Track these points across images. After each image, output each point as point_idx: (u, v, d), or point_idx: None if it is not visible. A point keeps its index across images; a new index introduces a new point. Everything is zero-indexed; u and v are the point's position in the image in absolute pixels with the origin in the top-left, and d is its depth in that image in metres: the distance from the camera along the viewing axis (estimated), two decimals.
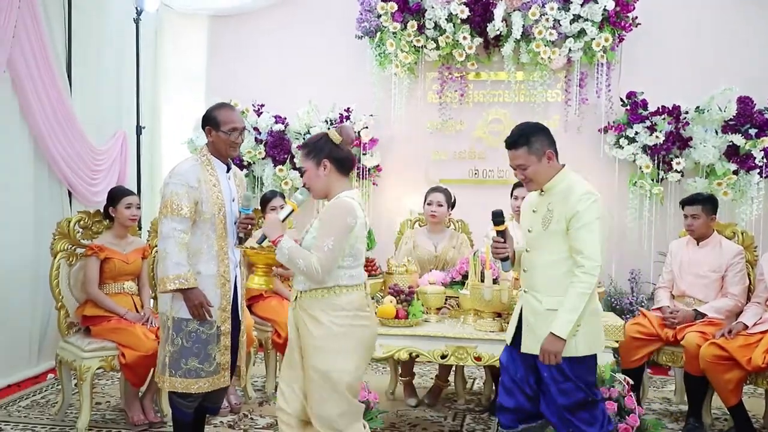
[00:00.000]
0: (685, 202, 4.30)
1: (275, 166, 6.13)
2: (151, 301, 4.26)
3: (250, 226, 3.26)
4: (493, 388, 4.39)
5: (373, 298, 3.87)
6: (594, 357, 2.90)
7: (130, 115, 5.81)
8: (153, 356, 3.70)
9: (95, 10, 5.43)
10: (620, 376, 3.27)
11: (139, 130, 5.79)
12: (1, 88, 4.48)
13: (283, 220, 2.84)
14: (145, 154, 6.05)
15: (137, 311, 4.04)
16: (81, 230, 4.09)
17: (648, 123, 5.64)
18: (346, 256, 2.72)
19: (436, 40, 5.86)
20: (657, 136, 5.57)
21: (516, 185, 4.57)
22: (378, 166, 6.18)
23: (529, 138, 2.88)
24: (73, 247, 4.05)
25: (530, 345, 2.86)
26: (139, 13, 5.66)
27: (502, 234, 2.97)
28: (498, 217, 2.94)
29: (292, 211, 2.89)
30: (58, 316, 3.98)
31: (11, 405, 4.31)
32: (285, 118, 6.19)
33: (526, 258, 2.96)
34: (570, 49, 5.70)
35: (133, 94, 5.80)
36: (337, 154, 2.77)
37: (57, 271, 3.95)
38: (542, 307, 2.84)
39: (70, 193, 5.19)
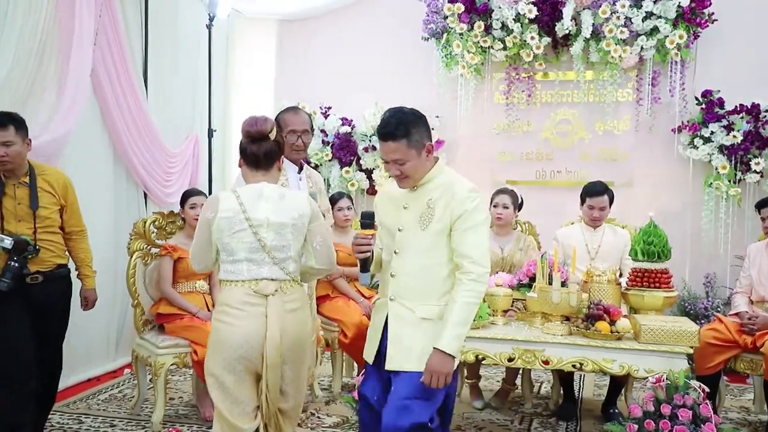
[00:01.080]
0: (761, 205, 4.14)
1: (342, 167, 6.20)
2: None
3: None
4: (561, 392, 4.33)
5: None
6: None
7: (202, 118, 5.97)
8: None
9: (170, 17, 5.62)
10: (695, 383, 3.16)
11: (210, 133, 5.94)
12: (84, 94, 4.65)
13: None
14: (216, 156, 6.21)
15: (208, 310, 4.15)
16: (156, 230, 4.23)
17: (725, 122, 5.46)
18: (221, 251, 2.64)
19: (503, 41, 5.81)
20: (734, 136, 5.38)
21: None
22: None
23: (409, 129, 2.46)
24: (148, 247, 4.20)
25: (398, 360, 2.48)
26: (211, 19, 5.80)
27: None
28: (367, 219, 2.57)
29: None
30: (134, 314, 4.13)
31: (91, 398, 4.49)
32: (351, 120, 6.25)
33: (394, 261, 2.55)
34: (642, 48, 5.57)
35: (205, 98, 5.96)
36: (242, 147, 2.69)
37: (133, 270, 4.09)
38: (415, 316, 2.48)
39: (145, 195, 5.38)
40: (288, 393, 2.67)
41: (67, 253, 3.57)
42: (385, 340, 2.54)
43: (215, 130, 6.02)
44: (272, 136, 2.67)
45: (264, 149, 2.66)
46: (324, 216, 3.35)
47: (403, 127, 2.45)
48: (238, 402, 2.57)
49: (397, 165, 2.49)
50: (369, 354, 2.63)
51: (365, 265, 2.55)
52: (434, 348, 2.40)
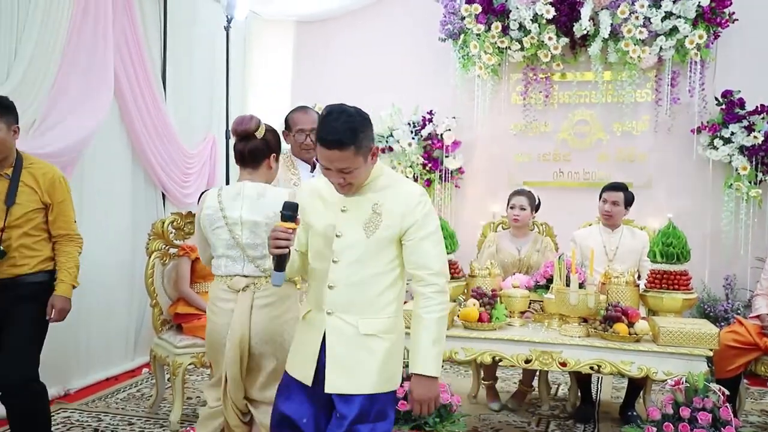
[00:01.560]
0: None
1: None
2: None
3: None
4: (578, 394, 4.30)
5: (454, 301, 3.87)
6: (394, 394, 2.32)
7: (220, 119, 6.00)
8: None
9: (188, 19, 5.66)
10: (715, 386, 3.13)
11: (228, 134, 5.96)
12: (104, 95, 4.70)
13: None
14: (234, 156, 6.24)
15: None
16: (174, 231, 4.25)
17: (745, 123, 5.40)
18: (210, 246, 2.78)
19: (520, 41, 5.79)
20: (755, 137, 5.33)
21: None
22: (460, 168, 6.16)
23: (357, 134, 2.13)
24: (166, 247, 4.22)
25: (341, 383, 2.20)
26: (229, 21, 5.83)
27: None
28: (289, 211, 2.21)
29: None
30: (152, 314, 4.16)
31: (109, 397, 4.53)
32: None
33: (333, 271, 2.24)
34: (661, 48, 5.52)
35: (223, 99, 5.99)
36: (234, 146, 2.82)
37: (152, 270, 4.11)
38: (357, 332, 2.21)
39: (163, 195, 5.42)
40: (268, 384, 2.74)
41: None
42: (323, 358, 2.23)
43: None
44: (259, 134, 2.74)
45: (249, 147, 2.74)
46: None
47: (351, 132, 2.12)
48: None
49: (343, 174, 2.17)
50: (303, 374, 2.27)
51: (281, 263, 2.21)
52: (415, 374, 2.22)
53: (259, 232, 2.69)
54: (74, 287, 3.19)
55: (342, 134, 2.11)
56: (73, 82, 4.32)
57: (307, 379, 2.25)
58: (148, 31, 5.15)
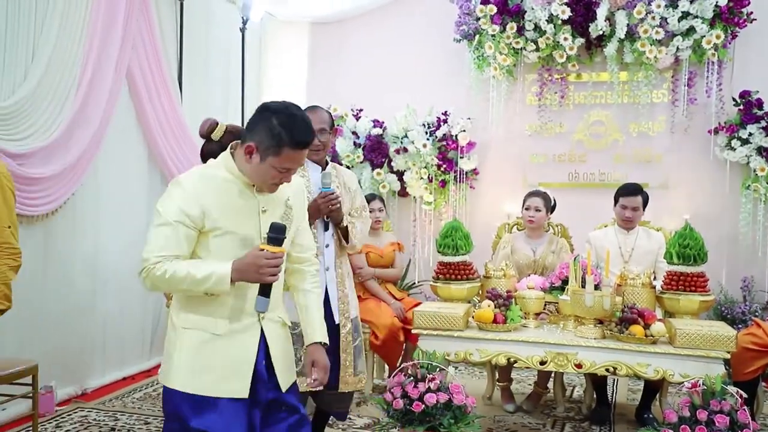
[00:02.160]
0: None
1: (373, 169, 6.21)
2: None
3: (336, 204, 3.11)
4: (594, 396, 4.28)
5: (469, 302, 3.87)
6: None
7: (236, 120, 6.02)
8: None
9: (204, 21, 5.69)
10: (732, 389, 3.10)
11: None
12: (120, 96, 4.74)
13: None
14: None
15: None
16: None
17: (763, 123, 5.35)
18: None
19: (535, 42, 5.78)
20: None
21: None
22: (475, 169, 6.15)
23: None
24: None
25: (287, 378, 2.29)
26: (244, 22, 5.87)
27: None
28: (278, 234, 2.09)
29: None
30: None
31: (126, 396, 4.56)
32: (383, 122, 6.26)
33: None
34: (678, 48, 5.49)
35: (238, 101, 6.02)
36: None
37: None
38: (284, 323, 2.30)
39: None
40: None
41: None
42: (259, 364, 2.19)
43: None
44: (215, 137, 2.73)
45: (204, 150, 2.76)
46: (362, 214, 3.33)
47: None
48: None
49: (291, 173, 2.17)
50: (237, 388, 2.14)
51: (268, 288, 2.11)
52: (316, 343, 2.34)
53: None
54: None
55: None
56: (92, 85, 4.35)
57: (243, 391, 2.15)
58: (165, 32, 5.18)
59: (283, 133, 2.07)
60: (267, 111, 2.13)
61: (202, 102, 5.68)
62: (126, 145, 4.91)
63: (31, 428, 3.56)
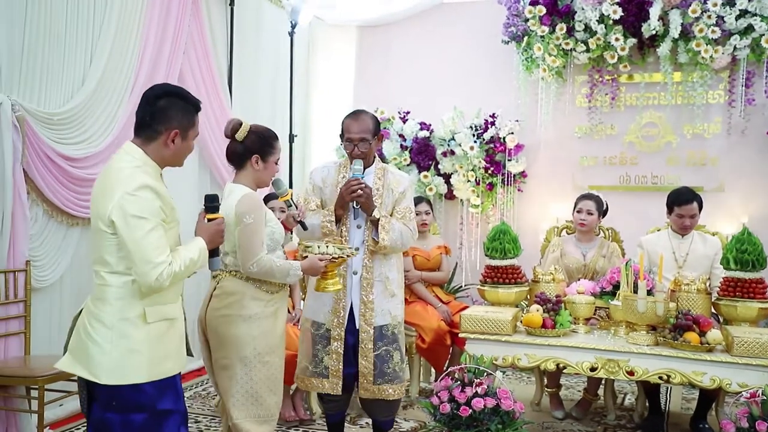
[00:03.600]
0: None
1: (420, 172, 6.19)
2: (302, 302, 4.43)
3: (359, 191, 3.09)
4: (646, 404, 4.18)
5: (517, 306, 3.82)
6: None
7: (284, 123, 6.09)
8: None
9: (254, 25, 5.77)
10: None
11: (291, 138, 6.05)
12: None
13: None
14: (297, 160, 6.33)
15: (288, 312, 4.21)
16: None
17: None
18: None
19: (586, 43, 5.68)
20: None
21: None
22: (523, 172, 6.08)
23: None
24: None
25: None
26: (293, 26, 5.92)
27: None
28: (212, 203, 2.56)
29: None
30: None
31: None
32: (430, 125, 6.24)
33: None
34: (735, 47, 5.33)
35: (287, 104, 6.08)
36: None
37: None
38: None
39: None
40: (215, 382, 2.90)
41: None
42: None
43: (296, 135, 6.13)
44: (239, 137, 2.86)
45: (228, 150, 2.91)
46: (406, 216, 3.24)
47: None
48: None
49: None
50: (183, 362, 2.50)
51: (216, 250, 2.56)
52: None
53: (228, 230, 2.82)
54: None
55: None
56: (145, 89, 4.43)
57: (184, 361, 2.49)
58: (215, 36, 5.27)
59: (189, 107, 2.35)
60: (159, 99, 2.31)
61: (252, 105, 5.76)
62: None
63: (85, 425, 3.64)
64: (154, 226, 2.22)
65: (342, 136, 3.22)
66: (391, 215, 3.22)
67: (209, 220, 2.49)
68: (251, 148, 2.87)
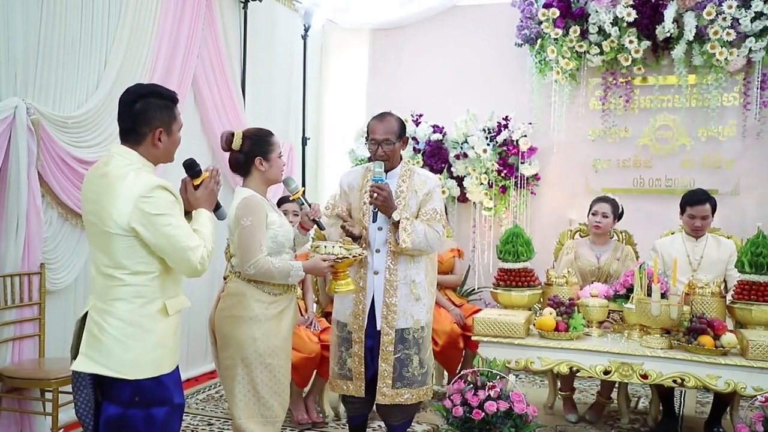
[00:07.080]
0: None
1: None
2: (314, 305, 4.44)
3: (376, 194, 3.10)
4: (660, 408, 4.16)
5: (530, 310, 3.81)
6: None
7: (297, 127, 6.11)
8: (315, 358, 3.92)
9: (267, 29, 5.79)
10: None
11: (304, 141, 6.08)
12: (186, 104, 4.87)
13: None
14: (310, 163, 6.35)
15: (301, 315, 4.23)
16: None
17: None
18: None
19: (599, 45, 5.66)
20: None
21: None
22: (536, 174, 6.06)
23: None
24: None
25: None
26: (306, 29, 5.95)
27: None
28: (191, 169, 2.55)
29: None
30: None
31: (189, 398, 4.66)
32: (443, 128, 6.24)
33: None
34: (750, 49, 5.29)
35: (300, 107, 6.10)
36: None
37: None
38: None
39: None
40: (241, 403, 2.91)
41: None
42: None
43: (309, 138, 6.16)
44: (235, 146, 2.92)
45: (232, 161, 2.98)
46: (432, 217, 3.22)
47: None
48: None
49: None
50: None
51: (219, 205, 2.61)
52: None
53: (231, 233, 2.91)
54: None
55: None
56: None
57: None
58: (229, 40, 5.29)
59: (166, 102, 2.36)
60: (135, 103, 2.31)
61: (265, 108, 5.78)
62: (191, 152, 4.93)
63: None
64: (178, 218, 2.30)
65: (367, 137, 3.26)
66: (416, 217, 3.22)
67: (196, 187, 2.50)
68: (251, 152, 2.92)
